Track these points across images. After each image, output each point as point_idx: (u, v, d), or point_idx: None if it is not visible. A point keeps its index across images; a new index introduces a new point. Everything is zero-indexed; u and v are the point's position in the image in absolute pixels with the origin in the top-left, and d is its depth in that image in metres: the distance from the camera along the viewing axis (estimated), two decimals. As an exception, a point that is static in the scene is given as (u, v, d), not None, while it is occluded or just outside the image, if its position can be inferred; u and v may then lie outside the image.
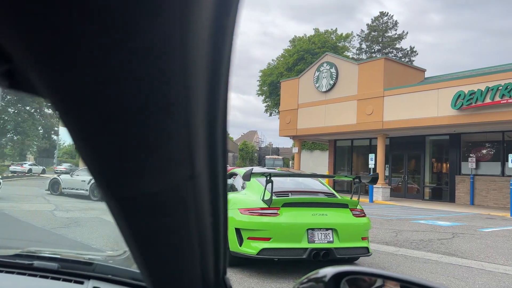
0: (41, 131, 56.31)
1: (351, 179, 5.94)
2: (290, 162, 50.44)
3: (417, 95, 17.14)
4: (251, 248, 4.99)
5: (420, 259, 6.58)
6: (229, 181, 7.09)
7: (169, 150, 0.39)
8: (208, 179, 0.49)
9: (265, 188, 5.20)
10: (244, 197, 5.58)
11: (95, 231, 8.01)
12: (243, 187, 6.04)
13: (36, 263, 1.28)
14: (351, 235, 5.29)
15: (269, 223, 4.99)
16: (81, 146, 0.38)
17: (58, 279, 1.23)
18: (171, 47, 0.31)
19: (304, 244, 5.01)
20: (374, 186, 18.07)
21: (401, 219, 11.84)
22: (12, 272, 1.25)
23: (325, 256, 5.06)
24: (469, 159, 18.07)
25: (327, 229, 5.17)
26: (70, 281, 1.23)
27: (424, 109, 16.74)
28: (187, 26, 0.31)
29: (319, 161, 32.07)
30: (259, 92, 45.67)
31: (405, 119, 17.38)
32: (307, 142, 36.87)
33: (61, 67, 0.30)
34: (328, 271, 0.88)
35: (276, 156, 53.42)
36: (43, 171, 38.80)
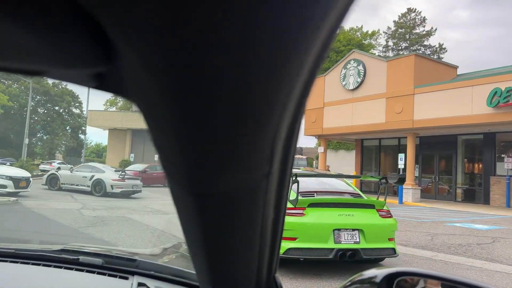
0: (69, 131, 57.60)
1: (378, 179, 5.84)
2: (314, 162, 49.84)
3: (450, 92, 16.48)
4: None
5: (462, 266, 6.17)
6: None
7: (257, 148, 0.39)
8: (278, 177, 0.48)
9: (290, 188, 5.19)
10: None
11: (122, 231, 7.92)
12: None
13: (82, 258, 1.31)
14: (378, 236, 5.23)
15: (295, 223, 4.98)
16: (165, 143, 0.38)
17: (104, 274, 1.25)
18: (294, 51, 0.31)
19: (331, 245, 4.99)
20: (403, 187, 17.49)
21: (435, 222, 11.33)
22: (60, 267, 1.28)
23: (351, 257, 4.99)
24: (506, 159, 17.25)
25: (353, 230, 5.12)
26: (115, 276, 1.25)
27: (457, 107, 16.07)
28: (317, 32, 0.30)
29: (345, 161, 31.49)
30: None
31: (436, 118, 16.73)
32: (332, 141, 36.26)
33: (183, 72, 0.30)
34: (379, 272, 0.87)
35: (300, 156, 52.78)
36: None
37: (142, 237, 7.54)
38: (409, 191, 17.78)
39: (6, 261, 1.31)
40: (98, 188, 16.18)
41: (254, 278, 0.66)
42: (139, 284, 1.20)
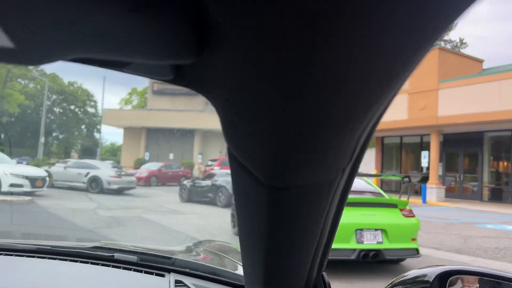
0: (84, 130, 58.01)
1: (400, 178, 5.70)
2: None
3: (476, 87, 15.75)
4: None
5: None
6: None
7: (343, 144, 0.39)
8: (350, 171, 0.48)
9: None
10: None
11: (137, 232, 7.57)
12: None
13: (117, 255, 1.31)
14: (401, 236, 5.16)
15: None
16: (243, 137, 0.38)
17: (140, 271, 1.25)
18: (413, 46, 0.30)
19: (353, 245, 4.94)
20: (427, 186, 16.83)
21: (464, 223, 10.71)
22: (97, 264, 1.28)
23: (374, 257, 4.92)
24: (536, 157, 16.46)
25: (376, 230, 5.06)
26: (151, 273, 1.25)
27: (484, 102, 15.33)
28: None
29: (364, 160, 30.82)
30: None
31: (462, 114, 16.02)
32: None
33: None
34: (430, 271, 0.86)
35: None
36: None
37: (158, 238, 7.17)
38: (433, 190, 17.10)
39: (44, 257, 1.31)
40: (95, 185, 16.05)
41: (305, 276, 0.65)
42: (176, 281, 1.20)
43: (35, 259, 1.29)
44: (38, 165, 23.24)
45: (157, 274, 1.25)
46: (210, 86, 0.36)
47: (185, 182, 14.64)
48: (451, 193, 19.16)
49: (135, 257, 1.32)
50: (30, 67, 43.05)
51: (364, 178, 6.42)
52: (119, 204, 12.16)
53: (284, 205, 0.47)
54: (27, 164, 21.41)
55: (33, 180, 12.89)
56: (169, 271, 1.27)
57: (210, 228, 8.39)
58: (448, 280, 0.85)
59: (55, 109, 54.01)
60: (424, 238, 7.76)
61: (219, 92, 0.36)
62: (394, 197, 5.79)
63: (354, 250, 4.91)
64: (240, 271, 1.28)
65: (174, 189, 20.54)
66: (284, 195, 0.45)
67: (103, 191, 15.73)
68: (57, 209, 10.36)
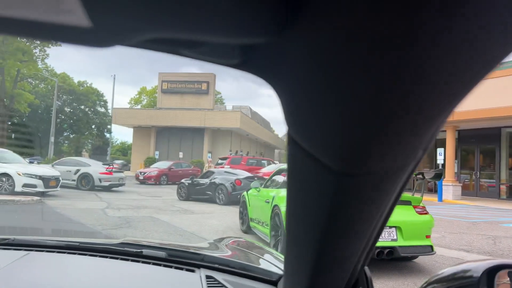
0: (94, 129, 58.25)
1: (414, 175, 5.31)
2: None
3: (494, 81, 15.23)
4: None
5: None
6: (279, 178, 6.91)
7: (422, 130, 0.38)
8: (417, 161, 0.46)
9: None
10: None
11: (148, 234, 7.31)
12: None
13: (145, 251, 1.32)
14: (415, 233, 5.14)
15: None
16: (314, 122, 0.37)
17: (170, 266, 1.26)
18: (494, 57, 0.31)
19: None
20: (443, 183, 16.38)
21: (488, 222, 10.29)
22: (127, 259, 1.28)
23: (389, 255, 4.88)
24: (556, 153, 15.90)
25: (390, 227, 5.04)
26: (181, 269, 1.25)
27: (502, 97, 14.83)
28: None
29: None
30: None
31: (478, 109, 15.52)
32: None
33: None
34: (476, 266, 0.84)
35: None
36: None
37: (170, 239, 6.90)
38: (449, 188, 16.64)
39: (74, 253, 1.32)
40: (85, 182, 16.01)
41: (350, 269, 0.64)
42: (207, 277, 1.19)
43: (65, 255, 1.31)
44: (48, 165, 23.24)
45: (187, 270, 1.25)
46: (281, 71, 0.35)
47: (183, 180, 14.65)
48: (467, 191, 18.66)
49: (164, 253, 1.32)
50: (40, 67, 43.32)
51: None
52: (129, 204, 11.95)
53: (352, 193, 0.45)
54: (38, 164, 21.37)
55: (46, 180, 12.77)
56: (198, 266, 1.27)
57: (223, 228, 8.11)
58: (497, 274, 0.82)
59: (65, 109, 54.27)
60: (450, 239, 7.39)
61: (289, 78, 0.34)
62: (408, 194, 5.73)
63: None
64: (268, 266, 1.33)
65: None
66: (354, 182, 0.43)
67: (93, 188, 15.70)
68: (66, 209, 10.18)
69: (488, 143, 18.52)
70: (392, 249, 4.90)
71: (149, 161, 31.11)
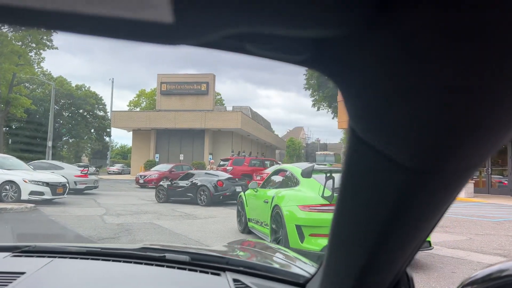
0: (94, 134, 57.63)
1: None
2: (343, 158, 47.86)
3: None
4: (314, 244, 4.93)
5: None
6: (277, 178, 6.89)
7: (498, 129, 0.36)
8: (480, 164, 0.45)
9: (324, 185, 5.01)
10: (302, 194, 5.47)
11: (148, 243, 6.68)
12: (296, 184, 5.89)
13: (168, 255, 1.30)
14: None
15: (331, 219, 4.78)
16: (392, 120, 0.36)
17: (195, 270, 1.24)
18: None
19: None
20: (455, 181, 15.74)
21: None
22: (151, 264, 1.27)
23: None
24: None
25: None
26: (207, 272, 1.23)
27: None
28: None
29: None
30: (306, 86, 43.87)
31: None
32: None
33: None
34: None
35: (327, 152, 51.17)
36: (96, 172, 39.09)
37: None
38: (462, 186, 16.03)
39: (97, 259, 1.32)
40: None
41: (395, 270, 0.63)
42: (234, 280, 1.17)
43: (89, 261, 1.30)
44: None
45: (212, 273, 1.23)
46: (350, 68, 0.34)
47: (161, 183, 14.60)
48: (478, 188, 18.06)
49: (187, 256, 1.30)
50: (37, 71, 42.71)
51: None
52: (129, 209, 11.34)
53: (419, 191, 0.44)
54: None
55: (54, 187, 12.14)
56: (224, 270, 1.25)
57: (230, 235, 7.49)
58: None
59: (64, 113, 53.64)
60: (480, 242, 6.78)
61: (359, 75, 0.33)
62: None
63: None
64: (293, 268, 1.34)
65: (186, 191, 19.76)
66: (423, 180, 0.42)
67: (68, 191, 14.84)
68: (61, 217, 9.57)
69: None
70: None
71: (149, 164, 30.49)
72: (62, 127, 53.08)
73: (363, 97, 0.35)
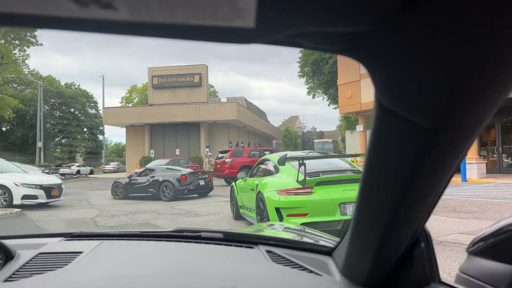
0: (86, 133, 56.44)
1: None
2: (340, 146, 47.30)
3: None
4: (291, 223, 5.42)
5: None
6: (262, 166, 7.47)
7: (502, 89, 0.43)
8: (486, 122, 0.51)
9: (298, 171, 5.64)
10: (280, 180, 6.06)
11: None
12: (276, 171, 6.48)
13: (203, 234, 1.44)
14: None
15: (305, 200, 5.53)
16: (417, 87, 0.43)
17: (230, 245, 1.36)
18: None
19: (338, 217, 5.49)
20: (466, 162, 15.03)
21: (536, 202, 8.93)
22: (190, 242, 1.40)
23: None
24: None
25: None
26: (241, 246, 1.34)
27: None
28: None
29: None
30: (301, 73, 42.97)
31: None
32: (357, 121, 34.00)
33: None
34: None
35: (326, 140, 50.47)
36: (91, 172, 38.21)
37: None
38: (473, 166, 15.31)
39: (141, 239, 1.45)
40: None
41: (415, 226, 0.70)
42: (267, 251, 1.26)
43: (134, 241, 1.43)
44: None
45: (246, 247, 1.34)
46: (382, 52, 0.40)
47: (119, 179, 14.33)
48: (489, 168, 17.33)
49: (221, 234, 1.44)
50: (25, 71, 41.43)
51: (345, 159, 6.98)
52: (124, 209, 10.50)
53: (437, 148, 0.50)
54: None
55: (48, 190, 11.18)
56: (256, 243, 1.35)
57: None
58: None
59: (54, 112, 52.40)
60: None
61: (389, 57, 0.40)
62: None
63: (339, 221, 5.43)
64: (316, 241, 1.44)
65: (184, 186, 18.90)
66: (441, 137, 0.49)
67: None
68: (50, 221, 8.71)
69: (510, 115, 17.15)
70: None
71: (145, 161, 29.58)
72: (54, 127, 51.85)
73: (388, 74, 0.42)
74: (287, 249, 1.29)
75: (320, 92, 44.16)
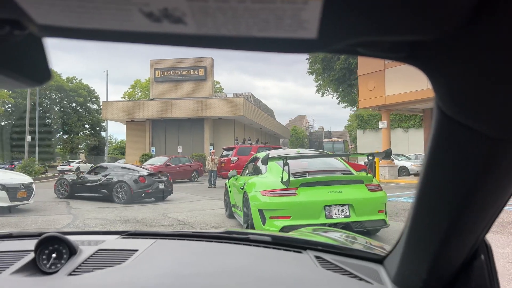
0: (89, 129, 54.72)
1: (365, 156, 6.14)
2: (350, 146, 45.23)
3: None
4: (273, 226, 5.31)
5: None
6: (252, 165, 7.47)
7: None
8: None
9: (282, 170, 5.50)
10: (265, 180, 5.97)
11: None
12: (264, 171, 6.37)
13: (251, 236, 1.45)
14: (367, 209, 5.51)
15: (288, 202, 5.32)
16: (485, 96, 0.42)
17: (278, 249, 1.35)
18: None
19: (322, 220, 5.28)
20: None
21: None
22: (239, 243, 1.41)
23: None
24: None
25: (343, 205, 5.43)
26: (289, 250, 1.33)
27: None
28: None
29: (412, 141, 26.99)
30: (310, 71, 41.03)
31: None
32: (371, 121, 31.86)
33: None
34: None
35: (336, 139, 48.28)
36: None
37: None
38: None
39: (192, 239, 1.46)
40: None
41: (475, 238, 0.68)
42: (316, 257, 1.24)
43: (186, 241, 1.44)
44: (25, 168, 19.79)
45: (294, 251, 1.32)
46: (447, 61, 0.39)
47: (65, 176, 13.01)
48: None
49: (269, 237, 1.43)
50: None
51: (339, 158, 6.86)
52: (104, 217, 8.50)
53: (502, 158, 0.50)
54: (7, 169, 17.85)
55: (13, 191, 9.06)
56: (304, 248, 1.33)
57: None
58: None
59: (54, 107, 50.68)
60: None
61: (454, 67, 0.39)
62: (362, 174, 6.21)
63: (323, 224, 5.10)
64: (367, 248, 1.40)
65: (184, 187, 16.89)
66: (505, 147, 0.48)
67: None
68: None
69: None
70: (345, 225, 5.20)
71: (145, 158, 27.57)
72: (54, 122, 50.13)
73: (453, 82, 0.42)
74: (336, 255, 1.27)
75: (330, 90, 42.26)
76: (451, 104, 0.45)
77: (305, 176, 5.67)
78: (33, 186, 9.87)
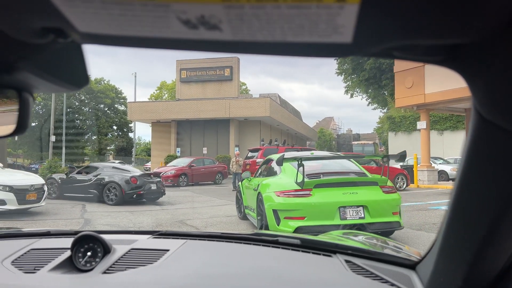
0: (117, 130, 55.12)
1: (380, 158, 6.42)
2: (380, 149, 43.54)
3: None
4: (288, 226, 5.31)
5: None
6: (266, 166, 7.45)
7: None
8: None
9: (297, 172, 5.50)
10: (280, 181, 6.00)
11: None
12: (278, 172, 6.35)
13: (280, 239, 1.44)
14: (382, 210, 5.54)
15: (303, 203, 5.32)
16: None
17: (308, 252, 1.34)
18: None
19: (337, 221, 5.27)
20: None
21: None
22: (268, 246, 1.41)
23: None
24: None
25: (358, 206, 5.45)
26: (318, 254, 1.32)
27: None
28: None
29: (451, 145, 25.44)
30: (338, 71, 39.83)
31: None
32: (403, 122, 30.36)
33: None
34: None
35: (366, 142, 46.60)
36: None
37: None
38: None
39: (222, 241, 1.47)
40: None
41: (510, 252, 0.67)
42: (346, 261, 1.23)
43: (216, 242, 1.45)
44: (50, 168, 19.48)
45: (324, 255, 1.30)
46: (485, 67, 0.39)
47: (54, 175, 12.80)
48: None
49: (298, 240, 1.42)
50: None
51: (352, 160, 6.84)
52: (119, 221, 7.72)
53: None
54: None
55: (21, 193, 8.38)
56: (334, 252, 1.32)
57: None
58: None
59: (84, 109, 51.28)
60: None
61: (494, 71, 0.39)
62: (377, 176, 6.31)
63: (338, 225, 5.14)
64: (397, 253, 1.40)
65: (207, 189, 16.07)
66: None
67: None
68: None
69: None
70: (359, 226, 5.25)
71: (170, 159, 27.08)
72: (83, 123, 50.71)
73: (492, 86, 0.41)
74: (366, 259, 1.24)
75: (360, 91, 40.87)
76: (490, 108, 0.44)
77: (320, 177, 5.70)
78: (45, 187, 9.16)
